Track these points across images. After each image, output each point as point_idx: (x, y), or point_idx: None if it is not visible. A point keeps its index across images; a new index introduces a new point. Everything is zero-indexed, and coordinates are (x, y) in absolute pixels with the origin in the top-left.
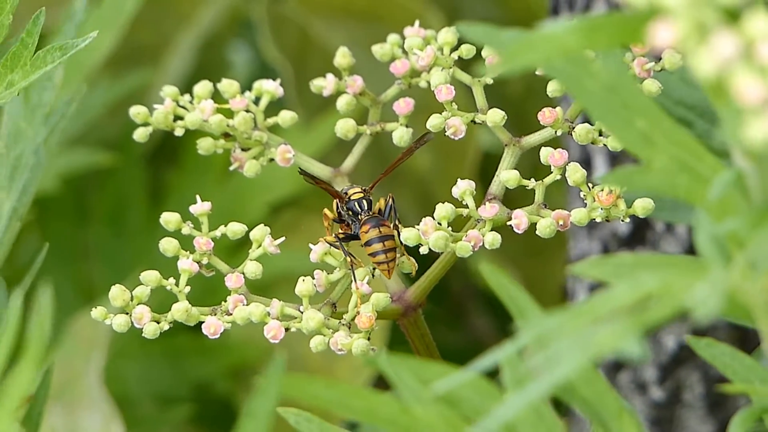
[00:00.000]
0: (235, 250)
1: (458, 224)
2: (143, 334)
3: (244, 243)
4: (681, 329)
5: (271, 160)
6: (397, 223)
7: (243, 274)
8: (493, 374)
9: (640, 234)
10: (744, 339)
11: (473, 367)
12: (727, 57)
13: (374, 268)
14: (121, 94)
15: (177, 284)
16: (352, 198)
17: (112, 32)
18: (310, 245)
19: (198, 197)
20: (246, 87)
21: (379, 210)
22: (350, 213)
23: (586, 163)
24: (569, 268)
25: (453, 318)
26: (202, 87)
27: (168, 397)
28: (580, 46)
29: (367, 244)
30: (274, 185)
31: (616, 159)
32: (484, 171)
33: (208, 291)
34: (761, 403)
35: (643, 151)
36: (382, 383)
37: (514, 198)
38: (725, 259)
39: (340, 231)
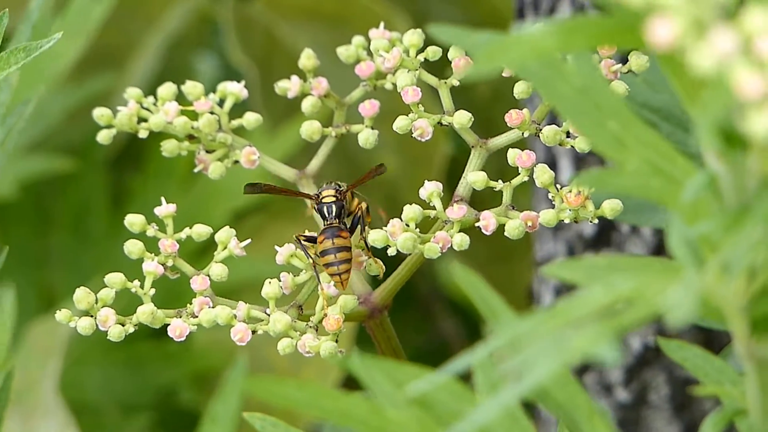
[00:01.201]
0: (198, 257)
1: (426, 226)
2: (108, 337)
3: (208, 249)
4: (646, 330)
5: (236, 162)
6: (364, 235)
7: (208, 276)
8: (464, 377)
9: (605, 236)
10: (709, 341)
11: (446, 369)
12: (726, 52)
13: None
14: (83, 99)
15: (142, 287)
16: (322, 201)
17: (78, 40)
18: (276, 247)
19: (163, 199)
20: (212, 90)
21: (351, 213)
22: (320, 215)
23: (552, 165)
24: (540, 269)
25: (419, 321)
26: (166, 89)
27: (130, 405)
28: (556, 49)
29: (322, 254)
30: (237, 192)
31: (581, 161)
32: (452, 173)
33: (173, 296)
34: (732, 405)
35: (615, 153)
36: (348, 387)
37: (481, 200)
38: (698, 262)
39: (303, 234)
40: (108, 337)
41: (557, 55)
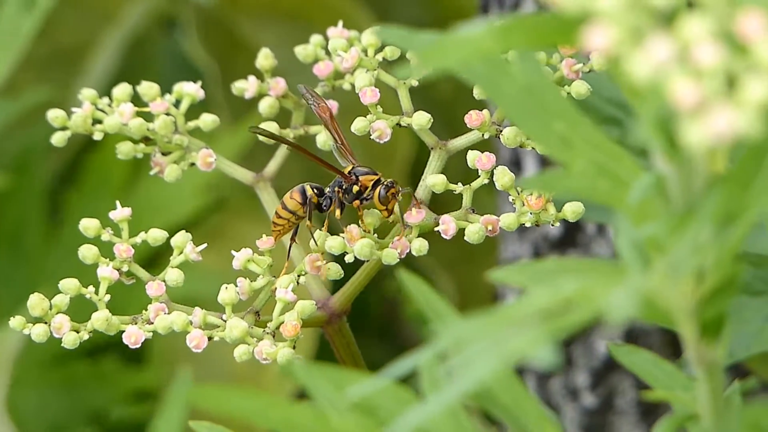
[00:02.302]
0: (146, 265)
1: (386, 230)
2: (62, 344)
3: (156, 258)
4: (613, 334)
5: (192, 164)
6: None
7: (164, 282)
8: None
9: (571, 236)
10: (675, 342)
11: (388, 373)
12: (662, 60)
13: (298, 276)
14: (18, 113)
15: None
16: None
17: (7, 54)
18: (233, 252)
19: (118, 203)
20: (171, 88)
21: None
22: (346, 195)
23: (516, 164)
24: (492, 274)
25: (382, 328)
26: (121, 90)
27: (66, 426)
28: (496, 49)
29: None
30: (173, 205)
31: (545, 161)
32: (416, 174)
33: (121, 304)
34: (683, 410)
35: (561, 154)
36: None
37: (444, 202)
38: (644, 263)
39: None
40: (62, 344)
41: (500, 55)
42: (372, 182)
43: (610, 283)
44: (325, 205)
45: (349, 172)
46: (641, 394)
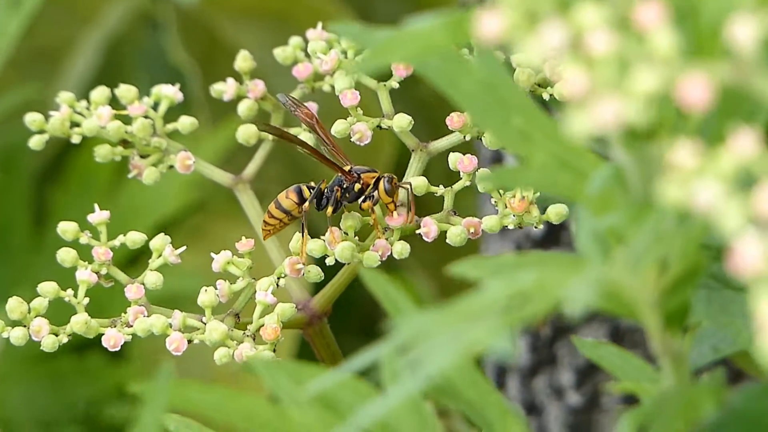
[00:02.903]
0: (124, 268)
1: (367, 233)
2: (42, 347)
3: (136, 260)
4: (599, 332)
5: (171, 167)
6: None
7: (143, 284)
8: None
9: (554, 235)
10: None
11: (346, 367)
12: (554, 47)
13: (278, 278)
14: (2, 112)
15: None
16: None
17: None
18: (212, 254)
19: (96, 206)
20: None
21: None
22: (347, 194)
23: (499, 163)
24: (449, 268)
25: (365, 326)
26: (100, 93)
27: (52, 421)
28: (447, 42)
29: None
30: (158, 205)
31: None
32: (399, 178)
33: (98, 307)
34: (649, 402)
35: (521, 148)
36: None
37: (427, 204)
38: (605, 254)
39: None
40: (42, 348)
41: (457, 50)
42: (374, 179)
43: (569, 274)
44: (323, 204)
45: (349, 171)
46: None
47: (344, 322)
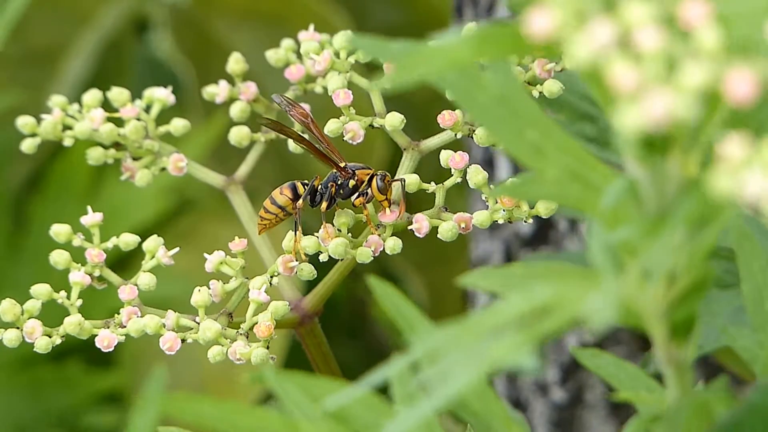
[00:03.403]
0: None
1: (359, 230)
2: (35, 349)
3: (124, 262)
4: (582, 330)
5: (163, 169)
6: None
7: (136, 286)
8: (386, 389)
9: (542, 234)
10: (644, 338)
11: (364, 383)
12: (604, 44)
13: (271, 277)
14: None
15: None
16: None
17: None
18: (205, 255)
19: (89, 208)
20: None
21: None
22: (341, 190)
23: (489, 163)
24: (461, 278)
25: (351, 328)
26: (92, 96)
27: (31, 429)
28: (473, 57)
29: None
30: (136, 210)
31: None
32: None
33: (91, 307)
34: (648, 411)
35: (534, 161)
36: None
37: (417, 202)
38: (618, 268)
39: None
40: (35, 349)
41: (474, 64)
42: (368, 176)
43: (585, 288)
44: (317, 201)
45: (345, 167)
46: (610, 389)
47: (333, 321)
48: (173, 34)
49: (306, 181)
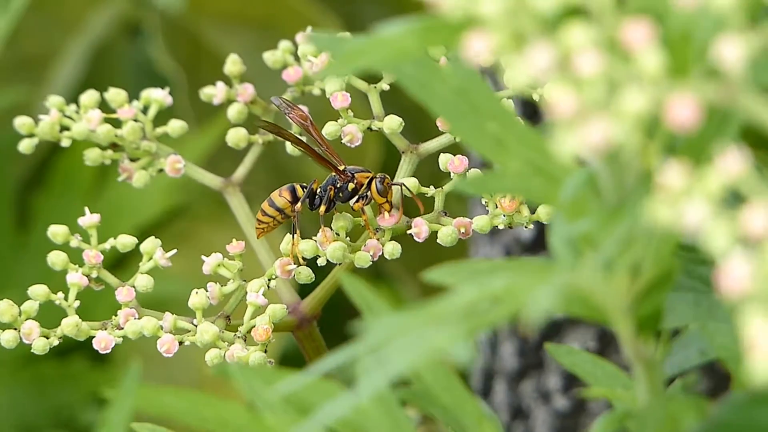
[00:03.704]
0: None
1: (357, 234)
2: (32, 350)
3: (121, 263)
4: (586, 336)
5: (161, 170)
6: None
7: (134, 287)
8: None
9: (543, 239)
10: None
11: (316, 368)
12: (542, 68)
13: (269, 280)
14: None
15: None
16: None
17: None
18: (203, 257)
19: (87, 209)
20: (137, 97)
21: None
22: (340, 193)
23: (488, 167)
24: (426, 274)
25: (347, 332)
26: (89, 96)
27: (35, 426)
28: (415, 48)
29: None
30: (141, 208)
31: None
32: None
33: (91, 308)
34: (622, 407)
35: (495, 155)
36: None
37: (414, 207)
38: (576, 259)
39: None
40: (32, 350)
41: (429, 56)
42: (367, 179)
43: (538, 279)
44: (316, 203)
45: (344, 170)
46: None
47: (332, 325)
48: (164, 40)
49: (305, 184)
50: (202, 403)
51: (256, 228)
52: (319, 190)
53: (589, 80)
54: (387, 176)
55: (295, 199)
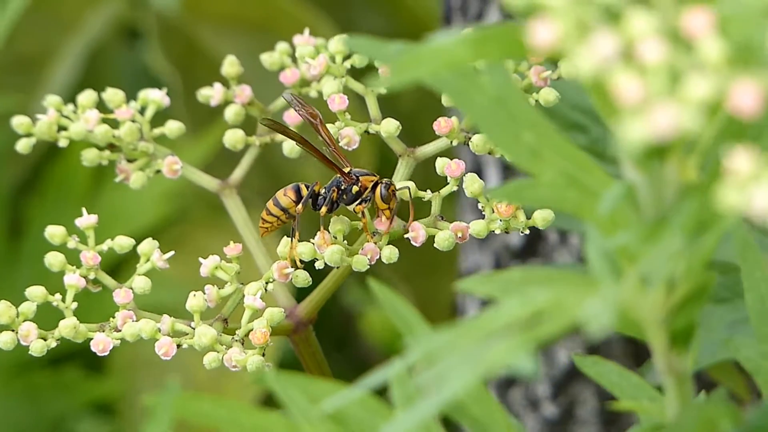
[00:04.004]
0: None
1: (354, 237)
2: (30, 352)
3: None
4: (573, 344)
5: (158, 171)
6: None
7: (131, 289)
8: (382, 392)
9: (532, 246)
10: (637, 353)
11: (361, 384)
12: (607, 56)
13: (267, 283)
14: None
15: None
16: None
17: None
18: (200, 259)
19: (84, 210)
20: (132, 98)
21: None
22: (344, 195)
23: (478, 173)
24: (457, 284)
25: (339, 341)
26: (87, 96)
27: None
28: (470, 59)
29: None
30: (136, 214)
31: (508, 169)
32: None
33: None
34: (649, 420)
35: (531, 165)
36: (269, 402)
37: (404, 209)
38: (615, 273)
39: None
40: (30, 352)
41: (471, 65)
42: (372, 183)
43: (583, 293)
44: (319, 204)
45: (348, 173)
46: (603, 403)
47: (318, 334)
48: (159, 42)
49: (309, 184)
50: (242, 412)
51: (260, 227)
52: (323, 191)
53: (652, 68)
54: (393, 183)
55: (299, 198)
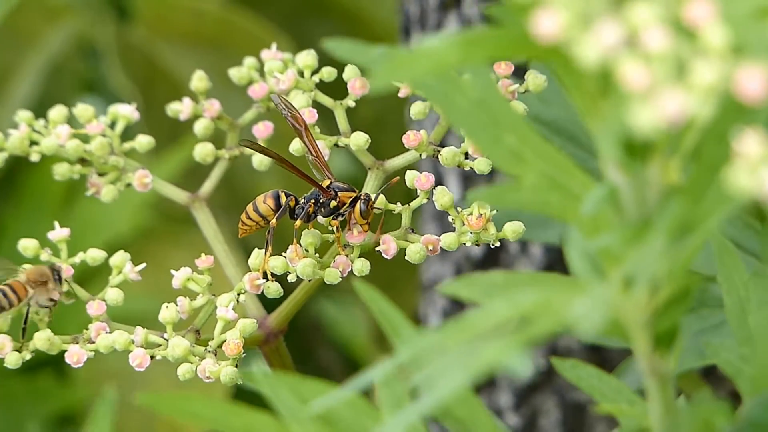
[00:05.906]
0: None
1: (324, 249)
2: (5, 364)
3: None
4: (536, 354)
5: (128, 185)
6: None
7: (104, 301)
8: (367, 393)
9: (493, 257)
10: (602, 361)
11: (350, 385)
12: (612, 44)
13: (238, 294)
14: None
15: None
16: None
17: None
18: (172, 271)
19: (56, 223)
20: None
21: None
22: (321, 209)
23: (439, 184)
24: (427, 291)
25: (304, 353)
26: (58, 112)
27: None
28: (458, 62)
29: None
30: (110, 224)
31: (468, 180)
32: None
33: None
34: (631, 424)
35: (513, 167)
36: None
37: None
38: (599, 275)
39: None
40: (5, 364)
41: (453, 69)
42: (350, 199)
43: (570, 294)
44: (296, 215)
45: (328, 187)
46: (566, 414)
47: (295, 340)
48: (119, 59)
49: (289, 192)
50: (231, 412)
51: (240, 228)
52: (302, 200)
53: (657, 56)
54: (371, 197)
55: (278, 206)
